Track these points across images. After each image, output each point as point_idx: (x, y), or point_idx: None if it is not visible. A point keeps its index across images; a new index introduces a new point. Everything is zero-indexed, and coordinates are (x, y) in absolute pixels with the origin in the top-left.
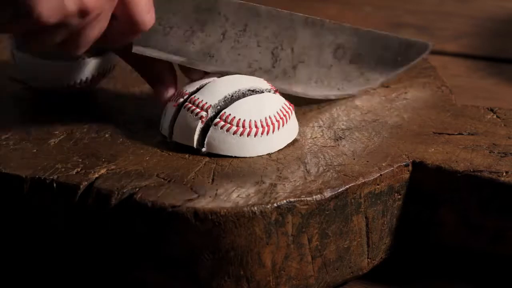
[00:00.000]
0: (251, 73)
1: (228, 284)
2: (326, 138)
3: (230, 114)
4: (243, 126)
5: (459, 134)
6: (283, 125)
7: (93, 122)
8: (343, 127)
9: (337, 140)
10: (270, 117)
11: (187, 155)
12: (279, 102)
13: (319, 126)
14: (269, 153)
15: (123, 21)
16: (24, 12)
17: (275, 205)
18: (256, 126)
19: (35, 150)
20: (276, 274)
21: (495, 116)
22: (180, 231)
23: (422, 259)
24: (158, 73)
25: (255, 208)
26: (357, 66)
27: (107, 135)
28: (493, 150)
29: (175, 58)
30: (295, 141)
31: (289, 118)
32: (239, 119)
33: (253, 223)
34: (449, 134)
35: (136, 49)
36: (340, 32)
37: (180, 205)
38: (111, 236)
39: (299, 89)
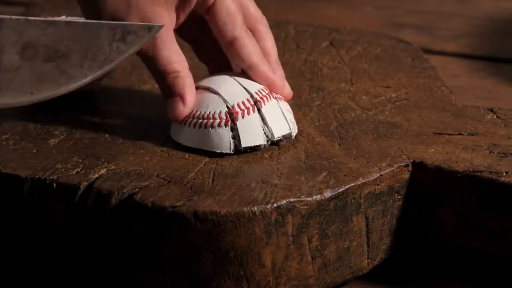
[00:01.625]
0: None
1: (228, 284)
2: (326, 138)
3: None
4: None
5: (459, 134)
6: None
7: (93, 122)
8: (343, 127)
9: (337, 140)
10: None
11: (187, 155)
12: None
13: (319, 126)
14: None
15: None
16: None
17: (275, 205)
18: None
19: (35, 150)
20: (276, 274)
21: (495, 116)
22: (180, 231)
23: (422, 259)
24: (180, 88)
25: (255, 208)
26: (55, 64)
27: (107, 135)
28: (493, 150)
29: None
30: (295, 141)
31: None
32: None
33: (253, 223)
34: (449, 134)
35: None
36: (27, 29)
37: (180, 205)
38: (111, 236)
39: None
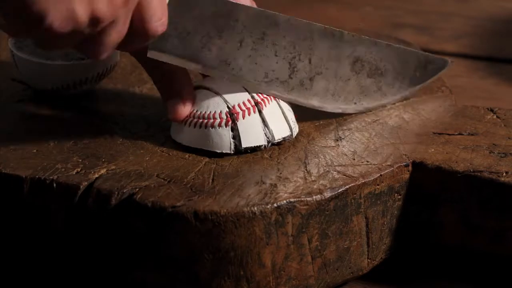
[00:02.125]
0: (268, 83)
1: (228, 284)
2: (326, 138)
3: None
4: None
5: (459, 134)
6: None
7: (93, 122)
8: (343, 127)
9: (337, 140)
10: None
11: (187, 155)
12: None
13: (319, 126)
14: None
15: (134, 26)
16: (35, 22)
17: (275, 205)
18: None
19: (35, 150)
20: (276, 274)
21: (495, 116)
22: (180, 231)
23: (422, 259)
24: (179, 88)
25: (255, 208)
26: (375, 80)
27: (107, 135)
28: (493, 150)
29: (191, 65)
30: (295, 141)
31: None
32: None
33: (253, 223)
34: (449, 134)
35: (151, 54)
36: (359, 44)
37: (180, 205)
38: (111, 236)
39: (315, 102)
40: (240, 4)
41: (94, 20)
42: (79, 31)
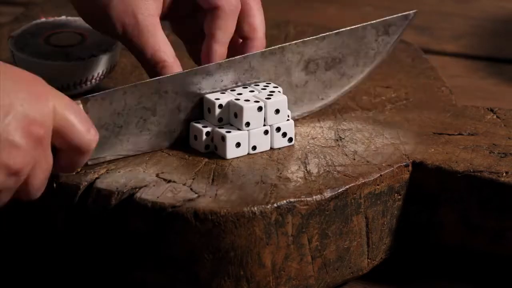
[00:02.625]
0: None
1: (228, 284)
2: (326, 138)
3: None
4: None
5: (459, 134)
6: None
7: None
8: (343, 127)
9: (337, 140)
10: None
11: (187, 155)
12: None
13: (319, 127)
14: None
15: (66, 149)
16: None
17: (275, 205)
18: None
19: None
20: (276, 275)
21: (495, 117)
22: (180, 231)
23: (422, 259)
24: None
25: (255, 208)
26: (334, 71)
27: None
28: (493, 151)
29: (135, 152)
30: (295, 141)
31: None
32: None
33: (253, 223)
34: (449, 135)
35: (92, 162)
36: (304, 49)
37: (180, 205)
38: (111, 236)
39: None
40: (163, 77)
41: (13, 174)
42: (4, 188)
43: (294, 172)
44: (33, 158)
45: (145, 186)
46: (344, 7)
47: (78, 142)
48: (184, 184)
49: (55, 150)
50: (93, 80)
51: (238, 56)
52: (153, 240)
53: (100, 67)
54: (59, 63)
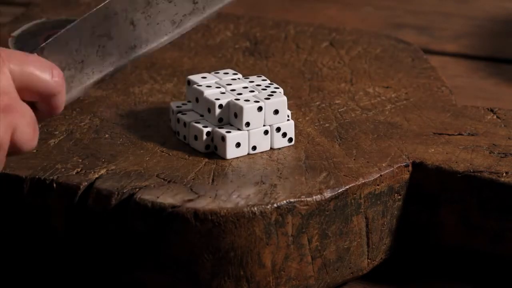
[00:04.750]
0: (180, 27)
1: (228, 284)
2: (326, 138)
3: None
4: None
5: (459, 134)
6: None
7: (93, 122)
8: (343, 127)
9: (337, 140)
10: None
11: (187, 156)
12: None
13: (319, 126)
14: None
15: (39, 98)
16: None
17: (275, 205)
18: None
19: (35, 150)
20: (276, 275)
21: (495, 117)
22: (180, 231)
23: (422, 259)
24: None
25: (255, 208)
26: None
27: (107, 135)
28: (493, 151)
29: (103, 77)
30: (295, 141)
31: None
32: None
33: (253, 223)
34: (449, 135)
35: (67, 101)
36: None
37: (180, 205)
38: (111, 236)
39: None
40: (108, 1)
41: None
42: None
43: (294, 172)
44: (9, 126)
45: (145, 186)
46: (344, 7)
47: (46, 88)
48: (184, 185)
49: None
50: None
51: None
52: (153, 240)
53: None
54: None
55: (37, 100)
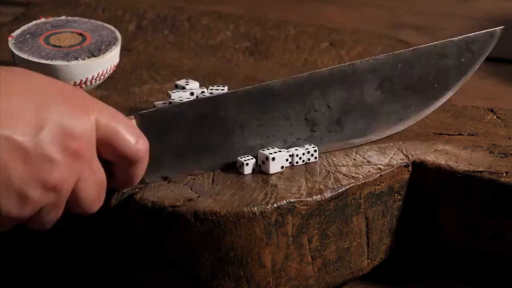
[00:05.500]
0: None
1: (228, 284)
2: None
3: None
4: None
5: (459, 134)
6: None
7: None
8: None
9: None
10: None
11: None
12: None
13: None
14: None
15: (117, 160)
16: None
17: (275, 205)
18: None
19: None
20: (276, 275)
21: (495, 117)
22: (180, 231)
23: (422, 259)
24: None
25: (255, 208)
26: (413, 90)
27: None
28: (493, 151)
29: (198, 171)
30: None
31: None
32: None
33: (253, 223)
34: (449, 135)
35: (150, 179)
36: (378, 66)
37: (180, 205)
38: (111, 236)
39: (356, 140)
40: (220, 94)
41: (52, 189)
42: (47, 203)
43: (294, 172)
44: (74, 173)
45: (145, 186)
46: (344, 7)
47: (126, 151)
48: (184, 184)
49: (110, 164)
50: (93, 80)
51: (305, 73)
52: (153, 240)
53: (100, 67)
54: (59, 63)
55: (115, 161)
